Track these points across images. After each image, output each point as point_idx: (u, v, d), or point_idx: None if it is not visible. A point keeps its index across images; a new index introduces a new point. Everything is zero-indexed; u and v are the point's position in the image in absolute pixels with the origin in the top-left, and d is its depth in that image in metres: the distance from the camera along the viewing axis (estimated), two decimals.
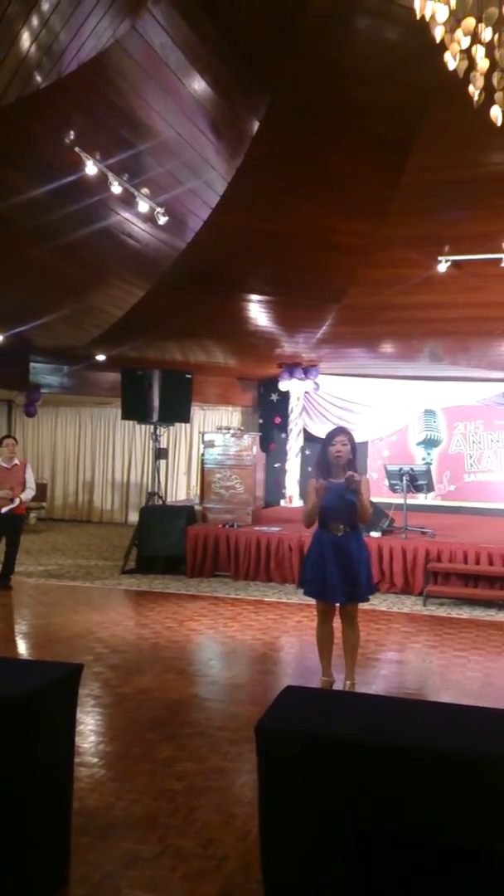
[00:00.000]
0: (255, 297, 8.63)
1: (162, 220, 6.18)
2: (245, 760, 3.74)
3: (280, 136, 5.76)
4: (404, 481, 8.79)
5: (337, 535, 4.73)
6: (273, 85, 5.31)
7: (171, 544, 9.29)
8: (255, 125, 5.66)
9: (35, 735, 2.48)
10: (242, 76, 5.17)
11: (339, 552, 4.70)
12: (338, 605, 4.84)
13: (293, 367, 12.06)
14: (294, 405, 12.46)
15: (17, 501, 8.01)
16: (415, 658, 5.91)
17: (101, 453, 15.32)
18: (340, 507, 4.73)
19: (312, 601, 4.95)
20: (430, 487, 9.16)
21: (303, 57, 5.01)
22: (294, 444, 12.52)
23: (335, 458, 4.76)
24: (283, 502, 12.39)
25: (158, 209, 6.10)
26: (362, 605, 4.92)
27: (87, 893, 2.63)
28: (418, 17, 2.99)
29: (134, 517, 12.90)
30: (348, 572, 4.69)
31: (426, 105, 5.43)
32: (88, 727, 4.24)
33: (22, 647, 6.17)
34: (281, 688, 2.65)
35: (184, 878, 2.74)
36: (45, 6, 3.81)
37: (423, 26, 3.04)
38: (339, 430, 4.93)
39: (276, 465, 12.68)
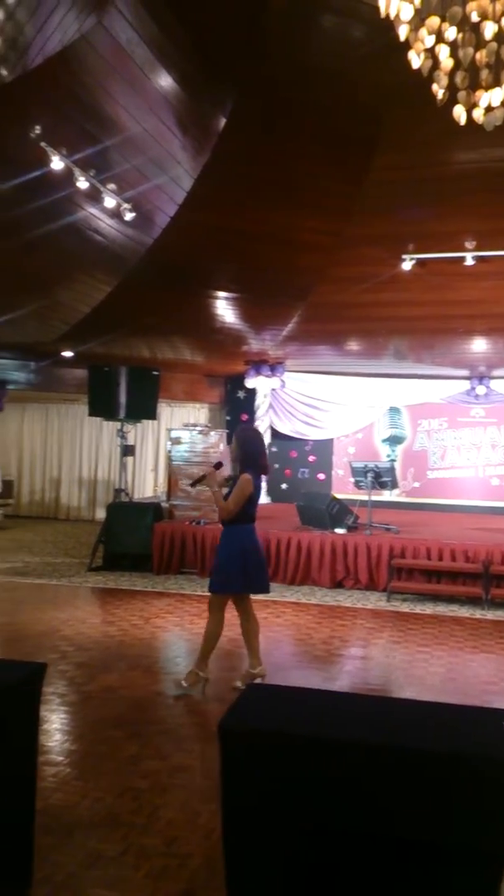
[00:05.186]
0: (221, 293, 8.63)
1: (128, 216, 6.15)
2: (209, 758, 3.75)
3: (245, 134, 5.77)
4: (369, 478, 8.88)
5: None
6: (238, 82, 5.32)
7: (137, 541, 9.26)
8: (222, 122, 5.67)
9: None
10: (208, 73, 5.16)
11: None
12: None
13: (260, 364, 12.09)
14: (261, 402, 12.49)
15: None
16: (379, 653, 5.99)
17: (68, 450, 15.19)
18: None
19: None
20: (394, 484, 9.27)
21: (268, 55, 5.03)
22: None
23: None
24: None
25: (125, 205, 6.07)
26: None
27: (50, 893, 2.63)
28: (383, 15, 3.01)
29: (101, 514, 12.81)
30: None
31: (390, 104, 5.48)
32: (53, 726, 4.22)
33: None
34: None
35: (147, 876, 2.75)
36: None
37: (388, 25, 3.07)
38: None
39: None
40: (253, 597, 5.05)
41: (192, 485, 5.42)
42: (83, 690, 4.81)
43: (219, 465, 5.06)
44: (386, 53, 4.40)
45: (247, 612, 4.99)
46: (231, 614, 4.98)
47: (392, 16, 2.98)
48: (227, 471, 5.33)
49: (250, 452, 4.90)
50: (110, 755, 3.82)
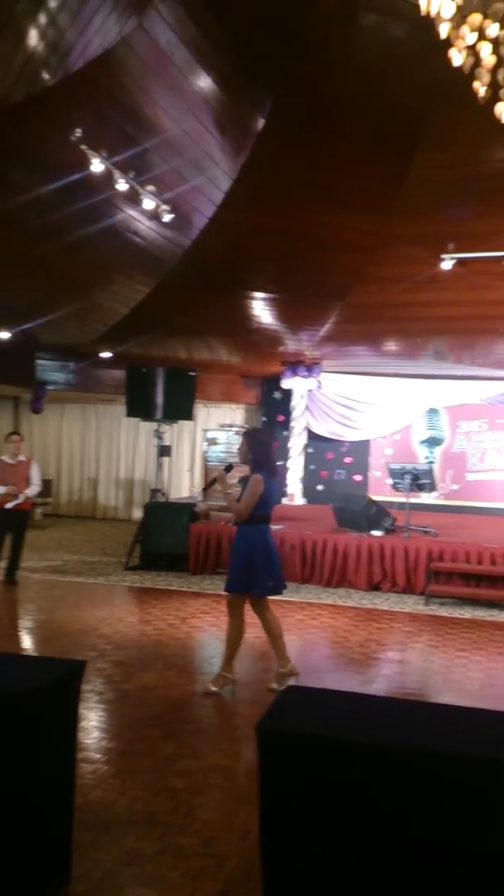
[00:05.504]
0: (258, 294, 8.63)
1: (167, 217, 6.19)
2: (245, 759, 3.75)
3: (285, 134, 5.75)
4: (407, 480, 8.78)
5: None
6: (279, 82, 5.31)
7: (174, 541, 9.31)
8: (261, 122, 5.66)
9: (38, 731, 2.49)
10: (248, 74, 5.16)
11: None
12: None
13: (296, 364, 12.06)
14: (297, 403, 12.45)
15: (21, 497, 8.03)
16: (416, 658, 5.91)
17: (105, 450, 15.35)
18: None
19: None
20: (432, 486, 9.16)
21: (308, 54, 5.00)
22: (297, 442, 12.51)
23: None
24: (284, 500, 12.39)
25: (163, 206, 6.11)
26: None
27: (88, 890, 2.65)
28: (424, 13, 2.98)
29: (137, 514, 12.92)
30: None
31: (431, 102, 5.42)
32: (91, 723, 4.25)
33: (26, 643, 6.19)
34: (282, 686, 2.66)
35: (185, 876, 2.75)
36: (53, 3, 3.81)
37: (429, 23, 3.04)
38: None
39: (277, 464, 12.68)
40: (280, 598, 5.02)
41: (205, 490, 5.45)
42: (120, 689, 4.84)
43: (229, 468, 5.07)
44: (427, 51, 4.36)
45: (263, 612, 4.97)
46: (256, 618, 4.96)
47: (433, 13, 2.95)
48: (238, 473, 5.31)
49: (261, 454, 4.90)
50: (147, 754, 3.83)
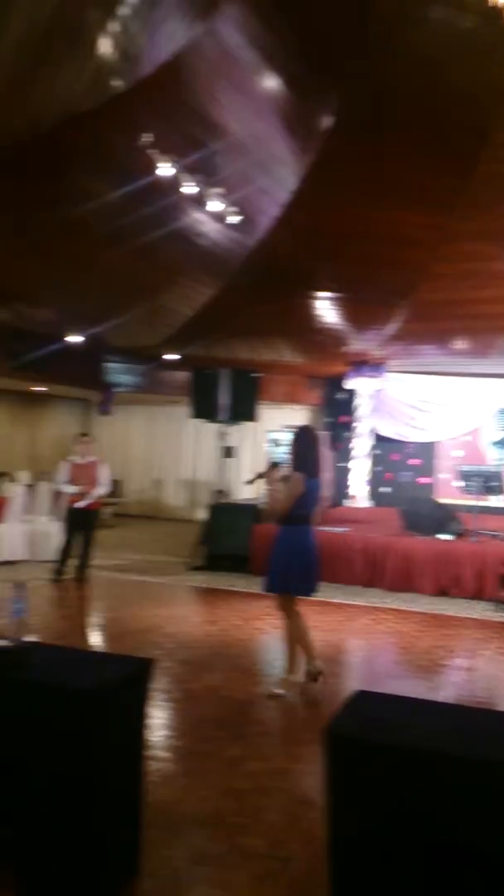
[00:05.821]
0: (323, 294, 8.58)
1: (233, 219, 6.21)
2: (309, 762, 3.72)
3: (352, 131, 5.69)
4: (477, 483, 8.57)
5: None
6: (346, 79, 5.25)
7: (237, 542, 9.33)
8: (328, 121, 5.62)
9: (111, 726, 2.53)
10: (315, 72, 5.13)
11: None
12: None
13: (361, 364, 11.93)
14: (361, 404, 12.32)
15: (90, 498, 8.17)
16: (485, 665, 5.76)
17: (169, 451, 15.54)
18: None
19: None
20: (501, 490, 8.92)
21: (376, 49, 4.93)
22: (361, 443, 12.38)
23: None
24: (346, 502, 12.27)
25: (230, 208, 6.14)
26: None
27: (156, 886, 2.67)
28: (491, 3, 2.91)
29: (201, 514, 13.02)
30: None
31: (500, 93, 5.27)
32: (157, 722, 4.30)
33: (95, 639, 6.32)
34: (347, 691, 2.62)
35: (251, 877, 2.74)
36: (123, 11, 3.87)
37: (497, 13, 2.96)
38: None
39: (338, 465, 12.57)
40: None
41: (250, 482, 5.45)
42: (186, 688, 4.88)
43: (275, 465, 5.02)
44: (495, 43, 4.25)
45: (291, 613, 4.93)
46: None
47: (501, 4, 2.87)
48: (283, 471, 5.26)
49: (304, 453, 4.83)
50: (213, 754, 3.84)
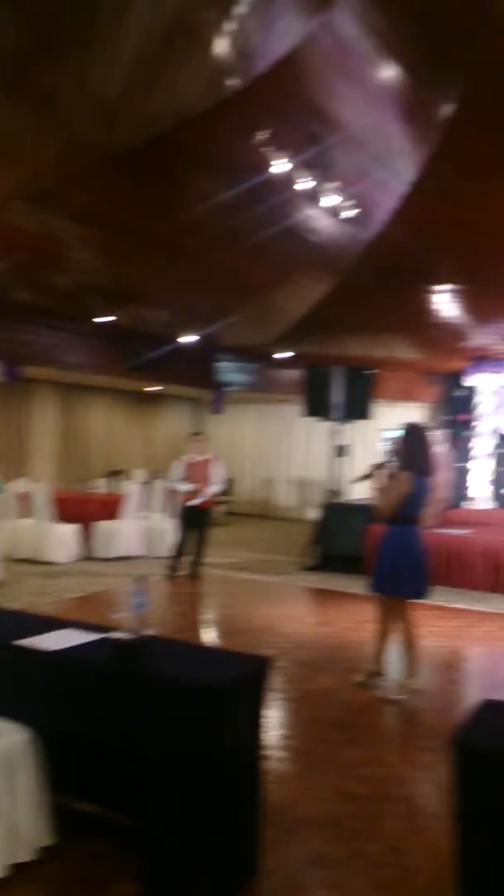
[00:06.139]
0: (442, 287, 8.30)
1: (349, 213, 6.12)
2: (430, 770, 3.58)
3: (472, 118, 5.45)
4: None
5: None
6: (467, 66, 5.03)
7: (350, 543, 9.19)
8: (447, 109, 5.41)
9: (232, 721, 2.53)
10: (434, 60, 4.95)
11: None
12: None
13: (481, 360, 11.48)
14: (482, 401, 11.85)
15: (202, 496, 8.29)
16: None
17: (280, 450, 15.58)
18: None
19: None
20: None
21: (498, 32, 4.70)
22: (482, 442, 11.90)
23: None
24: (465, 504, 11.83)
25: (345, 203, 6.04)
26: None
27: (275, 886, 2.65)
28: None
29: (311, 514, 12.96)
30: None
31: None
32: (273, 721, 4.28)
33: (210, 636, 6.40)
34: (469, 699, 2.50)
35: (370, 884, 2.67)
36: (239, 10, 3.88)
37: None
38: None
39: (456, 465, 12.14)
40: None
41: (357, 481, 5.35)
42: (301, 689, 4.84)
43: (382, 465, 4.86)
44: None
45: (396, 616, 4.78)
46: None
47: None
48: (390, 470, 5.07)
49: (413, 451, 4.67)
50: (330, 757, 3.78)
